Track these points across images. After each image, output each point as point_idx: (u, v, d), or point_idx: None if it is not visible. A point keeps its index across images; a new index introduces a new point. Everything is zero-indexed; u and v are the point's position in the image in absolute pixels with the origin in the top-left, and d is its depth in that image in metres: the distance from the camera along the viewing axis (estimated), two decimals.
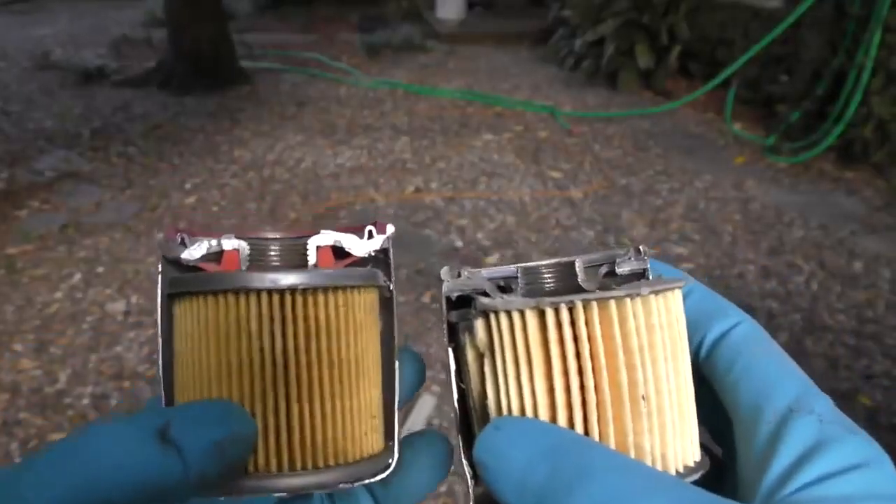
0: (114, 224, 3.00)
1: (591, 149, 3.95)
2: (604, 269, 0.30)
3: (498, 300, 0.26)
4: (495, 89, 5.02)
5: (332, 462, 0.25)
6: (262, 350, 0.25)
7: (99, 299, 2.47)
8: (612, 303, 0.25)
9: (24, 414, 1.95)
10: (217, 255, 0.28)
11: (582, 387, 0.25)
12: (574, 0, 5.20)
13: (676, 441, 0.25)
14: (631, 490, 0.20)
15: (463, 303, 0.29)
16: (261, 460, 0.25)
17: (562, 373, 0.25)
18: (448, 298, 0.28)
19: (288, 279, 0.25)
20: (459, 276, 0.28)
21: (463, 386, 0.28)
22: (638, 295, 0.25)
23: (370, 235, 0.29)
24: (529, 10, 7.33)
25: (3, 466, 0.21)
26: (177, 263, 0.28)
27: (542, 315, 0.25)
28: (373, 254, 0.29)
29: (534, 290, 0.28)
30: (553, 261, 0.28)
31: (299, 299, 0.26)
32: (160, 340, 0.28)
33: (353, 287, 0.27)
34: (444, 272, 0.28)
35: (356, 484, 0.26)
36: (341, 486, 0.26)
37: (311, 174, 3.55)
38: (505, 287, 0.28)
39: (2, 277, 2.57)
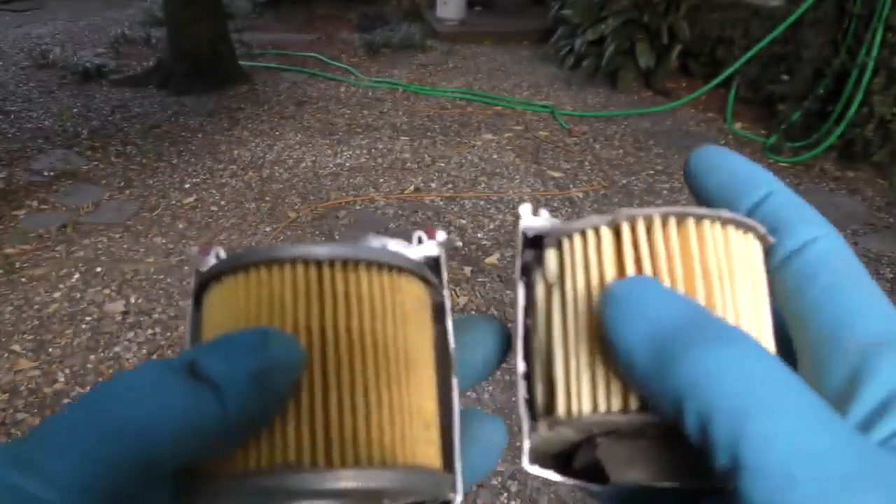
0: (113, 224, 2.99)
1: (592, 148, 3.94)
2: None
3: (573, 223, 0.25)
4: (495, 89, 5.02)
5: (377, 461, 0.21)
6: (296, 330, 0.22)
7: (98, 299, 2.46)
8: (691, 220, 0.24)
9: (23, 414, 1.94)
10: None
11: None
12: None
13: None
14: (748, 365, 0.18)
15: (537, 244, 0.28)
16: (291, 454, 0.21)
17: None
18: (524, 235, 0.28)
19: (324, 249, 0.23)
20: (538, 213, 0.28)
21: (529, 322, 0.27)
22: (718, 218, 0.24)
23: (419, 241, 0.27)
24: (529, 9, 7.32)
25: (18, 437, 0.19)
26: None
27: (617, 233, 0.24)
28: (422, 261, 0.27)
29: None
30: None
31: (338, 273, 0.23)
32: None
33: (398, 269, 0.24)
34: (524, 209, 0.28)
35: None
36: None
37: (311, 174, 3.54)
38: None
39: (0, 277, 2.56)
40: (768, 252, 0.25)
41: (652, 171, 3.62)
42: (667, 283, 0.23)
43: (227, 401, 0.19)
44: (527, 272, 0.28)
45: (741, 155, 0.26)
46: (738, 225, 0.24)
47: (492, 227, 3.01)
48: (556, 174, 3.57)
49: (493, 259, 2.75)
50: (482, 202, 3.24)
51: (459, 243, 2.86)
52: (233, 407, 0.19)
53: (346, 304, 0.23)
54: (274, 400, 0.20)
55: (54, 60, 5.27)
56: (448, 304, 0.27)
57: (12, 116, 4.24)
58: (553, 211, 3.15)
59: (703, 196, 0.26)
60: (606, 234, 0.24)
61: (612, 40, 4.88)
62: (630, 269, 0.23)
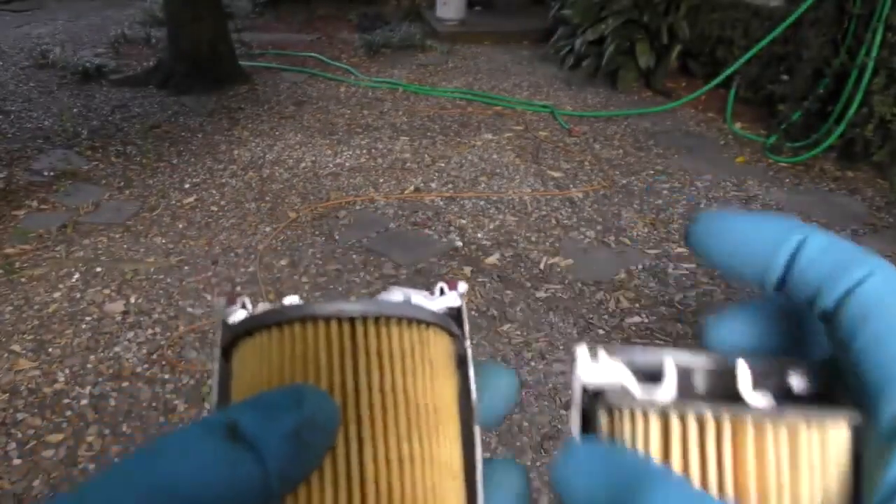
0: (112, 224, 2.99)
1: (592, 148, 3.94)
2: (772, 381, 0.24)
3: (621, 393, 0.23)
4: (495, 89, 5.02)
5: None
6: (332, 386, 0.23)
7: (97, 299, 2.46)
8: (750, 425, 0.21)
9: (23, 414, 1.94)
10: None
11: None
12: None
13: None
14: None
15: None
16: None
17: None
18: (584, 390, 0.25)
19: (357, 307, 0.24)
20: (597, 355, 0.25)
21: None
22: (783, 421, 0.21)
23: (441, 292, 0.27)
24: (529, 9, 7.32)
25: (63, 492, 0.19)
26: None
27: (666, 422, 0.22)
28: (444, 311, 0.27)
29: (681, 388, 0.23)
30: (710, 359, 0.24)
31: (371, 329, 0.24)
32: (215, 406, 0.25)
33: (426, 324, 0.25)
34: (581, 351, 0.24)
35: None
36: None
37: (311, 174, 3.54)
38: (651, 376, 0.24)
39: (0, 277, 2.56)
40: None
41: (652, 171, 3.62)
42: (715, 493, 0.21)
43: (266, 460, 0.19)
44: (586, 421, 0.25)
45: (744, 212, 0.24)
46: (811, 422, 0.21)
47: (492, 227, 3.01)
48: (556, 174, 3.57)
49: (493, 259, 2.75)
50: (482, 202, 3.24)
51: (459, 243, 2.86)
52: (272, 467, 0.19)
53: (378, 361, 0.23)
54: (311, 458, 0.21)
55: (54, 60, 5.27)
56: (470, 355, 0.27)
57: (12, 116, 4.24)
58: (553, 211, 3.15)
59: (716, 264, 0.24)
60: (655, 421, 0.22)
61: (612, 40, 4.88)
62: (675, 465, 0.21)
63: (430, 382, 0.24)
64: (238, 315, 0.25)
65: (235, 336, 0.25)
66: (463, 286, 0.27)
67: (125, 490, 0.18)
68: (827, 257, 0.21)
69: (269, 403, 0.21)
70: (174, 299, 2.46)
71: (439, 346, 0.25)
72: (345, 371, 0.23)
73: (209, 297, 2.48)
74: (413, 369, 0.24)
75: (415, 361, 0.24)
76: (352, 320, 0.24)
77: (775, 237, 0.22)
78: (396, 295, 0.25)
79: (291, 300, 0.25)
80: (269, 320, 0.24)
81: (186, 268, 2.67)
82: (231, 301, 0.26)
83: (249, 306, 0.26)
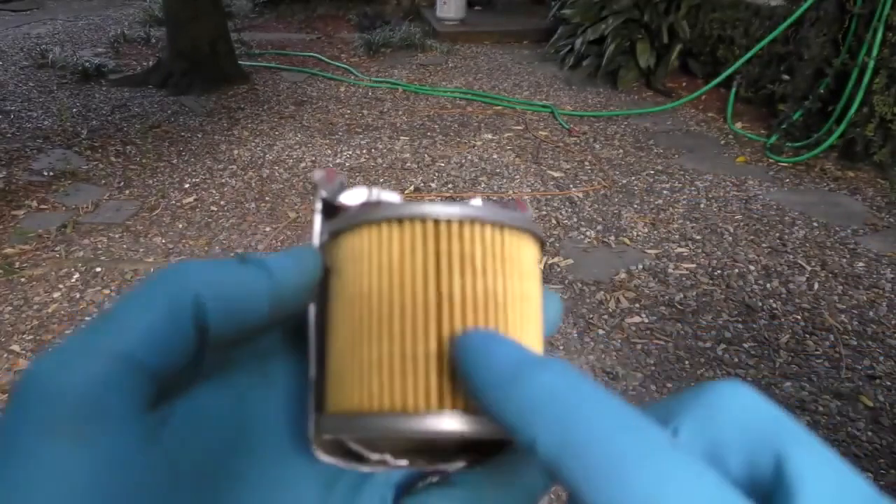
0: (112, 224, 2.99)
1: (592, 148, 3.93)
2: None
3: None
4: (495, 89, 5.01)
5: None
6: (462, 286, 0.23)
7: (97, 299, 2.45)
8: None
9: None
10: None
11: None
12: None
13: None
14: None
15: None
16: (419, 399, 0.22)
17: None
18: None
19: (489, 213, 0.24)
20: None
21: None
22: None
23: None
24: (530, 8, 7.32)
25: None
26: (334, 210, 0.26)
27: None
28: None
29: None
30: None
31: (497, 237, 0.24)
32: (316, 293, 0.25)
33: (536, 238, 0.26)
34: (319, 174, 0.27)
35: None
36: None
37: (311, 174, 3.53)
38: None
39: None
40: None
41: (652, 171, 3.61)
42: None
43: (271, 270, 0.23)
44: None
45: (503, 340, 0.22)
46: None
47: None
48: (556, 174, 3.56)
49: None
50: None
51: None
52: (276, 276, 0.23)
53: (503, 268, 0.24)
54: (309, 276, 0.24)
55: (54, 60, 5.27)
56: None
57: (12, 116, 4.24)
58: (553, 211, 3.15)
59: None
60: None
61: (613, 40, 4.88)
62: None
63: (538, 291, 0.26)
64: (338, 194, 0.25)
65: (370, 218, 0.24)
66: (530, 210, 0.29)
67: (163, 282, 0.21)
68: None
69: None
70: None
71: (537, 257, 0.27)
72: (476, 273, 0.23)
73: None
74: (531, 279, 0.25)
75: (530, 273, 0.25)
76: (482, 223, 0.24)
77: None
78: (478, 203, 0.26)
79: (388, 195, 0.25)
80: (407, 213, 0.23)
81: None
82: (330, 179, 0.26)
83: (346, 188, 0.26)
